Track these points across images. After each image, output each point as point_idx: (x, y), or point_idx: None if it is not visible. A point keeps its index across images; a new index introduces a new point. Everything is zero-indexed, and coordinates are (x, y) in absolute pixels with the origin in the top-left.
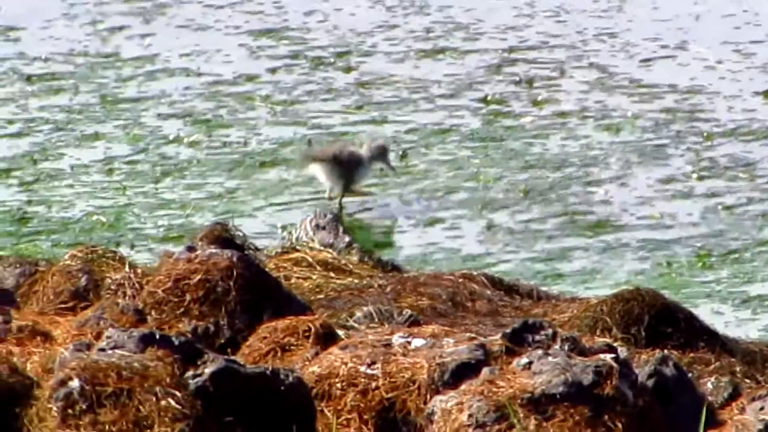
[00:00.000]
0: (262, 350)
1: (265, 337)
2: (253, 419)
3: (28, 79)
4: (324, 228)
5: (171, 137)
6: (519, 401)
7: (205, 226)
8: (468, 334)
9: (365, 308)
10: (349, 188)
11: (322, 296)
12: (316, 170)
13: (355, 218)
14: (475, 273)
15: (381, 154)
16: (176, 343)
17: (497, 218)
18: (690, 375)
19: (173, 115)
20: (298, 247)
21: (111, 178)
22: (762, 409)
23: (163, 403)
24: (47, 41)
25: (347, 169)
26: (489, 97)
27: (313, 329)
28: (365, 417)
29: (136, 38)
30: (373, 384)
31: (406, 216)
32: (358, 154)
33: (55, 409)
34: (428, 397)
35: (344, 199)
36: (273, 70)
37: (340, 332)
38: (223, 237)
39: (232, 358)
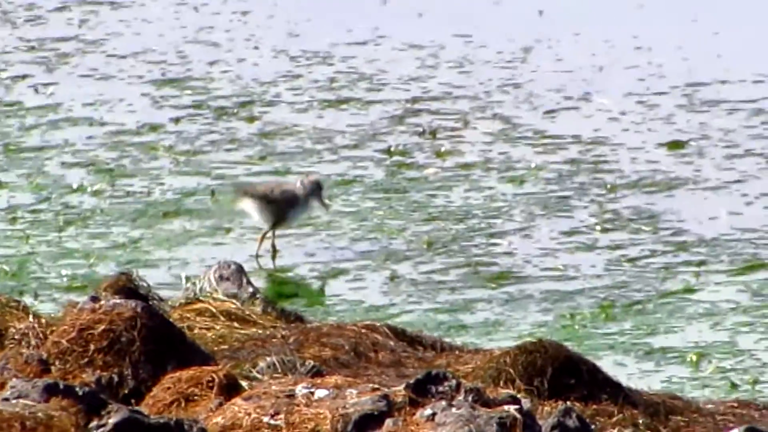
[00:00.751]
0: (166, 400)
1: (169, 388)
2: None
3: None
4: (228, 279)
5: (74, 186)
6: None
7: (109, 276)
8: (371, 385)
9: (268, 359)
10: (278, 227)
11: (225, 346)
12: (248, 206)
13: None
14: (378, 324)
15: (315, 190)
16: (80, 393)
17: (400, 269)
18: (593, 427)
19: (76, 164)
20: (201, 298)
21: (14, 226)
22: None
23: None
24: None
25: (279, 207)
26: (392, 148)
27: (216, 380)
28: None
29: (39, 87)
30: None
31: (310, 267)
32: (292, 192)
33: None
34: None
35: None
36: (176, 120)
37: (244, 383)
38: (127, 287)
39: (136, 408)
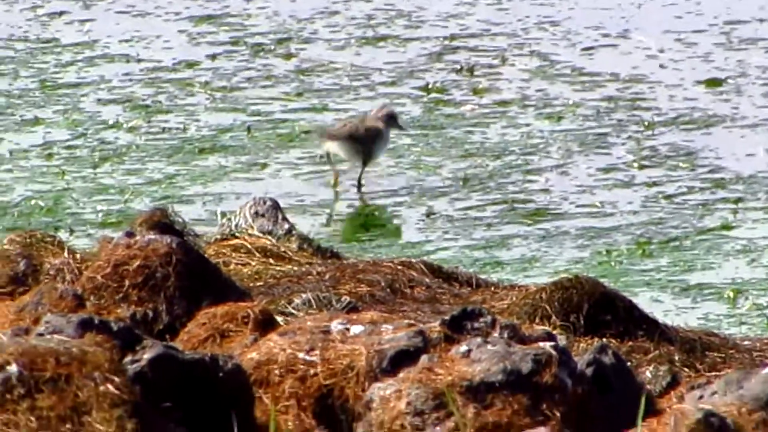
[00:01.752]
0: (200, 336)
1: (203, 324)
2: (192, 405)
3: None
4: (263, 215)
5: (110, 123)
6: (458, 389)
7: (144, 211)
8: (406, 321)
9: (304, 295)
10: (368, 163)
11: (261, 283)
12: (335, 148)
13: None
14: (413, 260)
15: (392, 119)
16: (115, 328)
17: (437, 206)
18: (629, 364)
19: (112, 100)
20: (237, 234)
21: (50, 162)
22: (701, 397)
23: (101, 388)
24: None
25: (366, 144)
26: (430, 86)
27: (251, 315)
28: (303, 404)
29: (75, 24)
30: (312, 371)
31: (348, 203)
32: (375, 127)
33: None
34: (367, 384)
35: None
36: (213, 57)
37: (279, 319)
38: (162, 223)
39: (171, 344)
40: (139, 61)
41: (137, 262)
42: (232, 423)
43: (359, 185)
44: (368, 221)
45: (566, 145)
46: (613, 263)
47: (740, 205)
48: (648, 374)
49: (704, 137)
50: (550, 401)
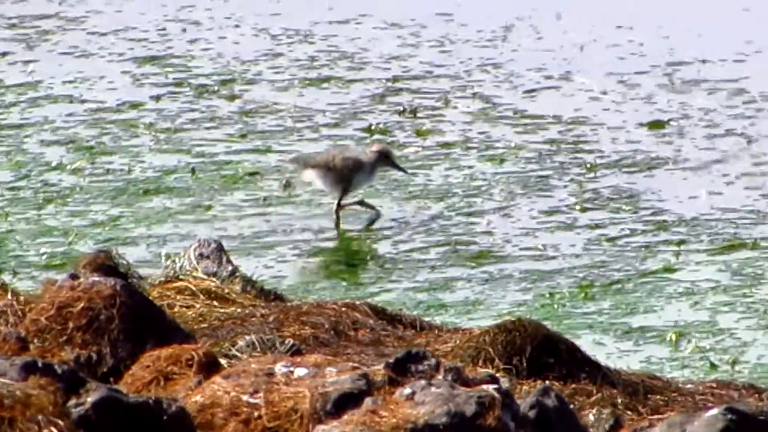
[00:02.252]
0: (145, 379)
1: (148, 366)
2: None
3: None
4: (207, 257)
5: (54, 164)
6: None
7: (88, 253)
8: (351, 364)
9: (248, 337)
10: (346, 194)
11: (205, 325)
12: (312, 176)
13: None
14: (358, 302)
15: (383, 156)
16: (59, 371)
17: (380, 248)
18: (572, 406)
19: (56, 141)
20: (181, 276)
21: None
22: None
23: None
24: None
25: (342, 174)
26: (373, 127)
27: (196, 358)
28: None
29: (19, 64)
30: (256, 413)
31: (292, 245)
32: (355, 158)
33: None
34: (311, 427)
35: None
36: (157, 98)
37: (223, 361)
38: (106, 265)
39: (115, 387)
40: (83, 102)
41: (81, 305)
42: None
43: (336, 215)
44: (329, 260)
45: (509, 188)
46: (555, 306)
47: (683, 247)
48: (591, 417)
49: (646, 179)
50: None
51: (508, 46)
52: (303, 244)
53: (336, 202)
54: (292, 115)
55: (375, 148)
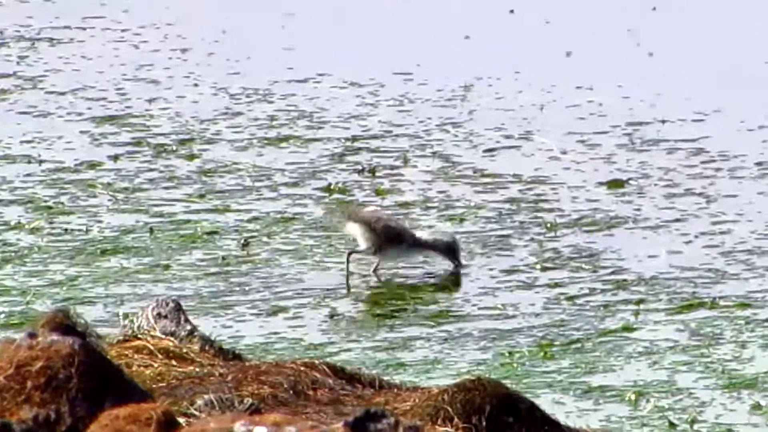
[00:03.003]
0: None
1: (106, 425)
2: None
3: None
4: (165, 316)
5: (12, 224)
6: None
7: (47, 313)
8: (310, 423)
9: (206, 396)
10: (379, 258)
11: (163, 384)
12: (351, 229)
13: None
14: (317, 362)
15: (448, 249)
16: (17, 430)
17: (340, 307)
18: None
19: (14, 201)
20: (139, 335)
21: None
22: None
23: None
24: None
25: (381, 240)
26: (332, 186)
27: (154, 417)
28: None
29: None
30: None
31: (250, 305)
32: (397, 229)
33: None
34: None
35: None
36: (115, 158)
37: (182, 420)
38: (64, 324)
39: None
40: (41, 161)
41: (39, 364)
42: None
43: (375, 275)
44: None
45: (468, 247)
46: (515, 365)
47: (642, 306)
48: None
49: (606, 239)
50: None
51: (467, 105)
52: (261, 303)
53: (374, 265)
54: (251, 175)
55: (446, 238)
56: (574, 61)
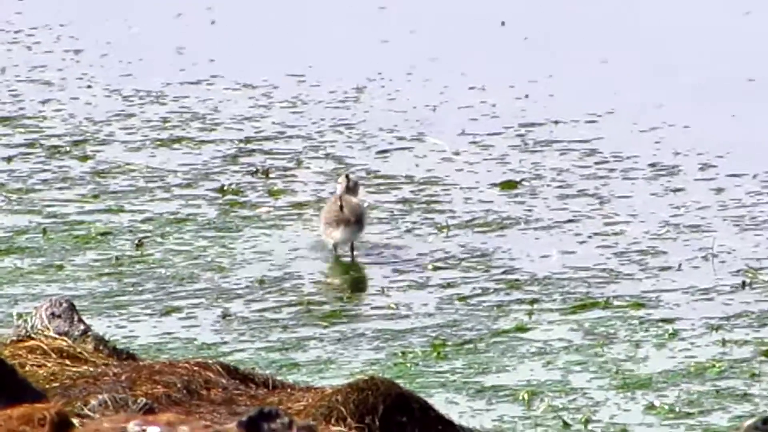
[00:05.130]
0: None
1: None
2: None
3: None
4: (59, 316)
5: None
6: None
7: None
8: (203, 422)
9: (100, 396)
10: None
11: (57, 384)
12: (341, 232)
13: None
14: (210, 362)
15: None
16: None
17: (233, 307)
18: None
19: None
20: (33, 335)
21: None
22: None
23: None
24: None
25: (362, 223)
26: (225, 187)
27: (48, 417)
28: None
29: None
30: None
31: (144, 305)
32: (360, 204)
33: None
34: None
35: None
36: (8, 159)
37: (76, 420)
38: None
39: None
40: None
41: None
42: None
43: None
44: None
45: (362, 247)
46: (408, 365)
47: (535, 306)
48: None
49: (498, 239)
50: None
51: (360, 107)
52: (155, 303)
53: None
54: (144, 176)
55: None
56: (465, 61)
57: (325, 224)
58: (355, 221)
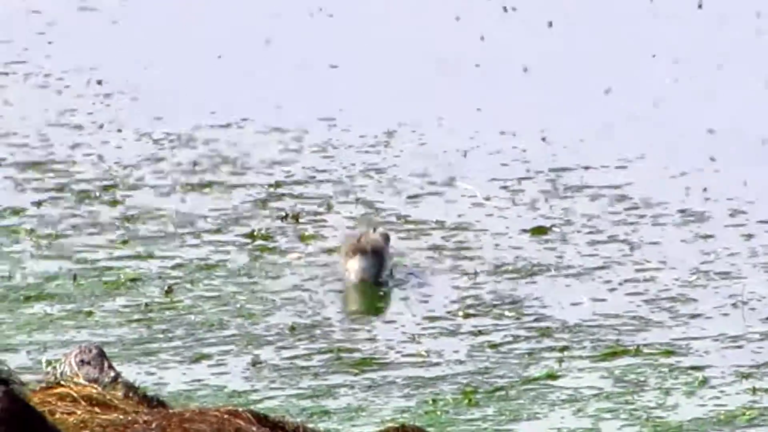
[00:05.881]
0: None
1: None
2: None
3: None
4: (89, 363)
5: None
6: None
7: None
8: None
9: None
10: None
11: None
12: (357, 261)
13: None
14: (240, 409)
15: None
16: None
17: (263, 354)
18: None
19: None
20: (62, 382)
21: None
22: None
23: None
24: None
25: (381, 255)
26: (255, 232)
27: None
28: None
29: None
30: None
31: (173, 352)
32: (380, 240)
33: None
34: None
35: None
36: (38, 204)
37: None
38: None
39: None
40: None
41: None
42: None
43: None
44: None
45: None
46: (439, 412)
47: (565, 353)
48: None
49: (528, 286)
50: None
51: (391, 151)
52: (185, 350)
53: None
54: (174, 221)
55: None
56: (495, 105)
57: (344, 256)
58: (372, 251)
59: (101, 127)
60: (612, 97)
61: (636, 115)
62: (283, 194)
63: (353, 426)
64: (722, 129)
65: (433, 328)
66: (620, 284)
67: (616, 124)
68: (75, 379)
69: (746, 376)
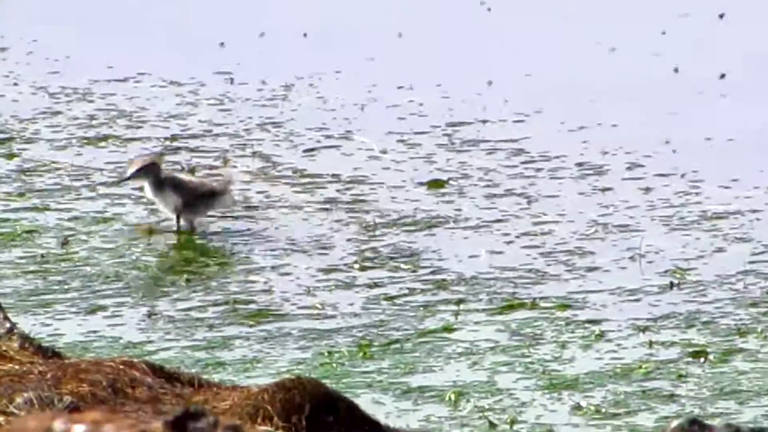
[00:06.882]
0: None
1: None
2: None
3: None
4: None
5: None
6: None
7: None
8: (129, 421)
9: (25, 394)
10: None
11: None
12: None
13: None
14: (135, 360)
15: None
16: None
17: (158, 306)
18: None
19: None
20: None
21: None
22: None
23: None
24: None
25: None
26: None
27: None
28: None
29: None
30: None
31: (69, 303)
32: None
33: None
34: None
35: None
36: None
37: (1, 419)
38: None
39: None
40: None
41: None
42: None
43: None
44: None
45: (287, 246)
46: (334, 365)
47: (462, 306)
48: None
49: (426, 238)
50: None
51: (288, 105)
52: (81, 301)
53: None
54: (70, 174)
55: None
56: (392, 59)
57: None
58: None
59: None
60: (510, 52)
61: (535, 70)
62: (179, 147)
63: (248, 377)
64: (623, 83)
65: (328, 280)
66: (517, 237)
67: (511, 80)
68: None
69: (643, 330)
